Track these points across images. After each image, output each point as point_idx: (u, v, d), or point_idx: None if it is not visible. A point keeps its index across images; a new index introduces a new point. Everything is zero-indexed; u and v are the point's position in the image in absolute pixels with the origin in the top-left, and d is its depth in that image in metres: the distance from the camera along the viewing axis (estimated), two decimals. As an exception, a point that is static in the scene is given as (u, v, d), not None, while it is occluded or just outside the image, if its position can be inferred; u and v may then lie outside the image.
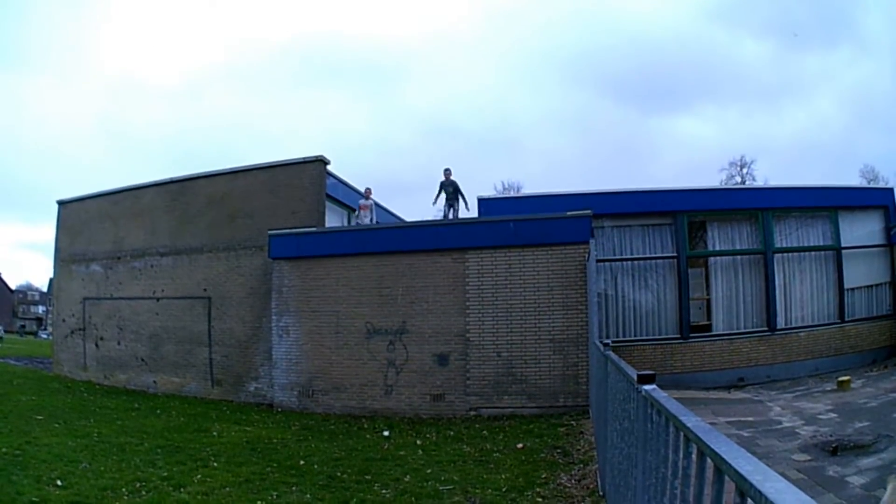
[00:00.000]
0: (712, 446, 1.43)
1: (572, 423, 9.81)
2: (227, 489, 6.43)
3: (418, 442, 9.16)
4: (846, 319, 13.62)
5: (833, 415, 8.69)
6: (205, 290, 14.60)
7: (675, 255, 13.14)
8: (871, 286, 14.07)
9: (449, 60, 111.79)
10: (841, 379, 10.91)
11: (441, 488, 6.50)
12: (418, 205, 74.91)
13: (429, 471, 7.30)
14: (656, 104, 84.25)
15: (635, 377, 2.60)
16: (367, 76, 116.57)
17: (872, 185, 31.91)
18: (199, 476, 6.93)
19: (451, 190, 14.30)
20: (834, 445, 6.87)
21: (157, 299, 15.32)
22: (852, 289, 13.81)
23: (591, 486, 6.14)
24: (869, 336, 13.70)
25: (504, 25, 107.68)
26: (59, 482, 6.26)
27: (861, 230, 14.10)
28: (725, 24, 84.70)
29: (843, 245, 13.76)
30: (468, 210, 14.16)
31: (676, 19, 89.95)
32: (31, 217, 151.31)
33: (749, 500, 1.17)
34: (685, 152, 74.92)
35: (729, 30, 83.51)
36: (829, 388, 11.01)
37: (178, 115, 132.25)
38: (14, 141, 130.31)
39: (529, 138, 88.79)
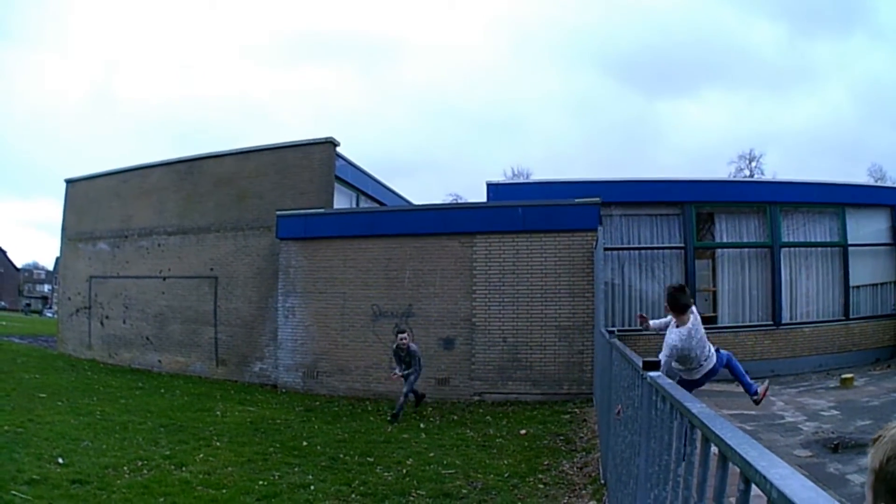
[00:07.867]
0: (717, 432, 1.41)
1: (576, 410, 9.84)
2: (230, 469, 6.49)
3: (422, 425, 9.23)
4: (851, 317, 13.51)
5: (835, 412, 8.67)
6: (211, 269, 14.66)
7: (682, 245, 13.05)
8: (877, 285, 13.95)
9: (451, 38, 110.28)
10: (844, 376, 10.88)
11: (443, 472, 6.55)
12: (422, 186, 74.80)
13: (431, 454, 7.35)
14: (663, 87, 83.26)
15: (640, 364, 2.59)
16: (362, 53, 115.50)
17: (880, 183, 31.63)
18: (201, 455, 6.99)
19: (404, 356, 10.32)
20: (836, 443, 6.86)
21: (164, 278, 15.40)
22: (858, 286, 13.70)
23: (593, 473, 6.17)
24: (873, 335, 13.61)
25: (507, 5, 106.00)
26: (60, 460, 6.31)
27: (867, 228, 13.96)
28: (736, 5, 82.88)
29: (849, 242, 13.65)
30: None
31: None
32: (33, 194, 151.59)
33: (753, 487, 1.16)
34: (693, 139, 74.28)
35: (739, 10, 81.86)
36: (832, 385, 10.98)
37: (172, 90, 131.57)
38: (7, 117, 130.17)
39: (533, 121, 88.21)
